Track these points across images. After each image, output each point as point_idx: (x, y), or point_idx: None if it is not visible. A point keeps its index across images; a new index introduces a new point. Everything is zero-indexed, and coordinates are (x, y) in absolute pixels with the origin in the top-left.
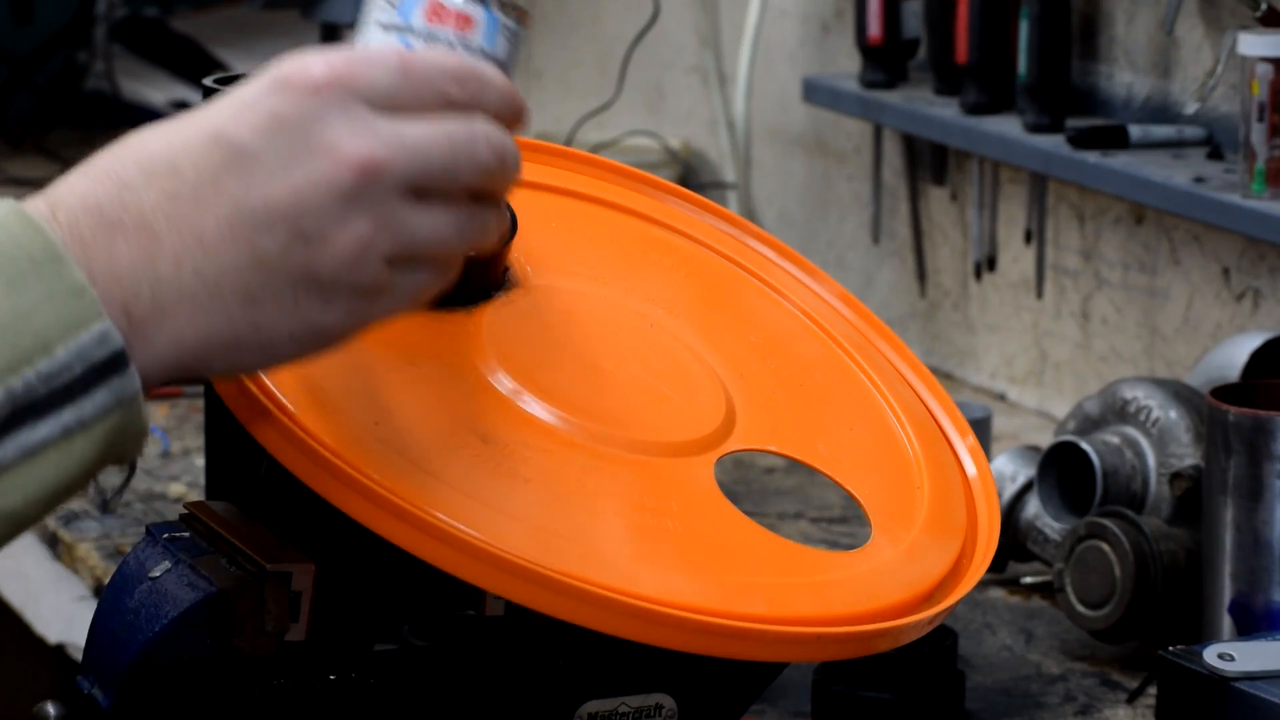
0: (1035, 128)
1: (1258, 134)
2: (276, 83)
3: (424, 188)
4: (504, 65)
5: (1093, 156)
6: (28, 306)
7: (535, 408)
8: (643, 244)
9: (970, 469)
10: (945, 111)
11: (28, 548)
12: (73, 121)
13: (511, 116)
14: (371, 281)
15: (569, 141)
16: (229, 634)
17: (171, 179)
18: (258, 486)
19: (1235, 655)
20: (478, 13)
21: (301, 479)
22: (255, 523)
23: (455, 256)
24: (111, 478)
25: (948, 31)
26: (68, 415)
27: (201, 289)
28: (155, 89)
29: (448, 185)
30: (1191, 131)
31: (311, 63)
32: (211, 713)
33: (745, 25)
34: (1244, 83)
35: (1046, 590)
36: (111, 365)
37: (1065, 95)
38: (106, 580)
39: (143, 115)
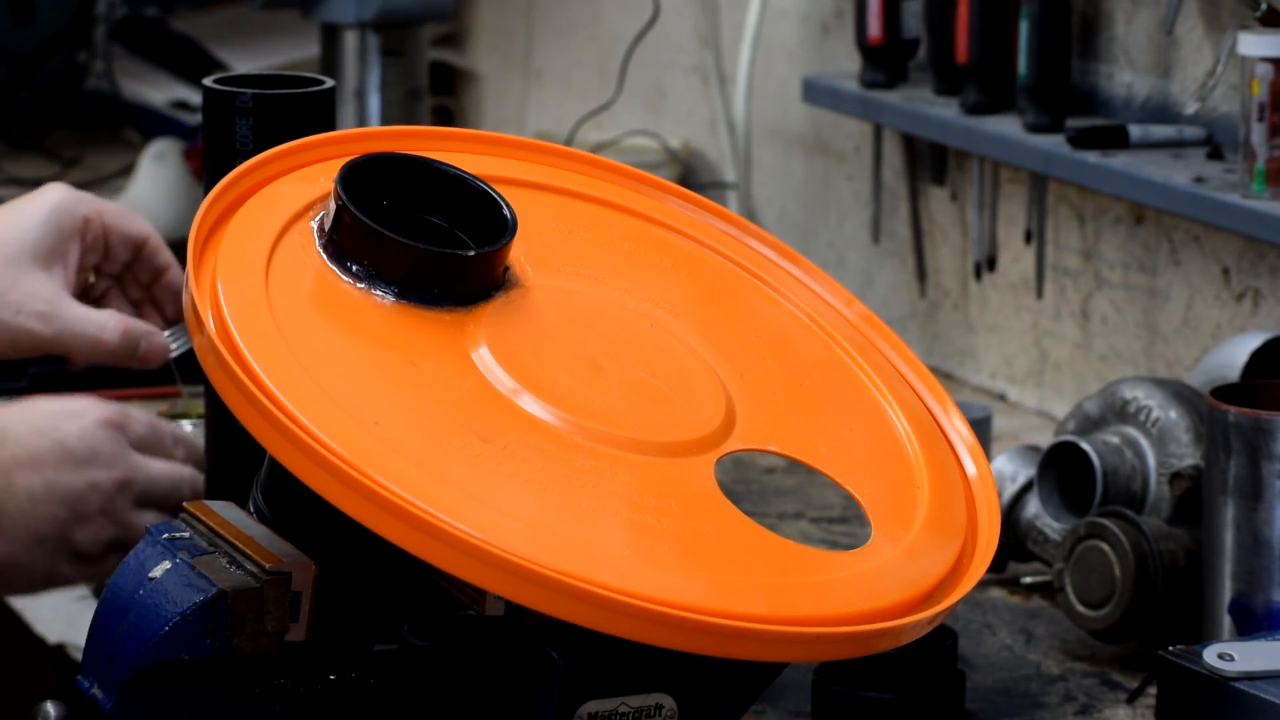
0: (1035, 128)
1: (1258, 134)
2: (79, 410)
3: (148, 503)
4: None
5: (1093, 156)
6: None
7: (535, 407)
8: (643, 244)
9: (970, 469)
10: (945, 111)
11: None
12: (73, 121)
13: (199, 466)
14: (96, 556)
15: (569, 141)
16: (229, 634)
17: (19, 451)
18: (258, 486)
19: (1235, 655)
20: None
21: (301, 479)
22: (255, 523)
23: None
24: None
25: (948, 31)
26: None
27: (14, 526)
28: (155, 89)
29: (161, 504)
30: (1191, 131)
31: (102, 407)
32: (211, 713)
33: (745, 25)
34: (1244, 83)
35: (1046, 590)
36: None
37: (1065, 95)
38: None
39: (143, 115)
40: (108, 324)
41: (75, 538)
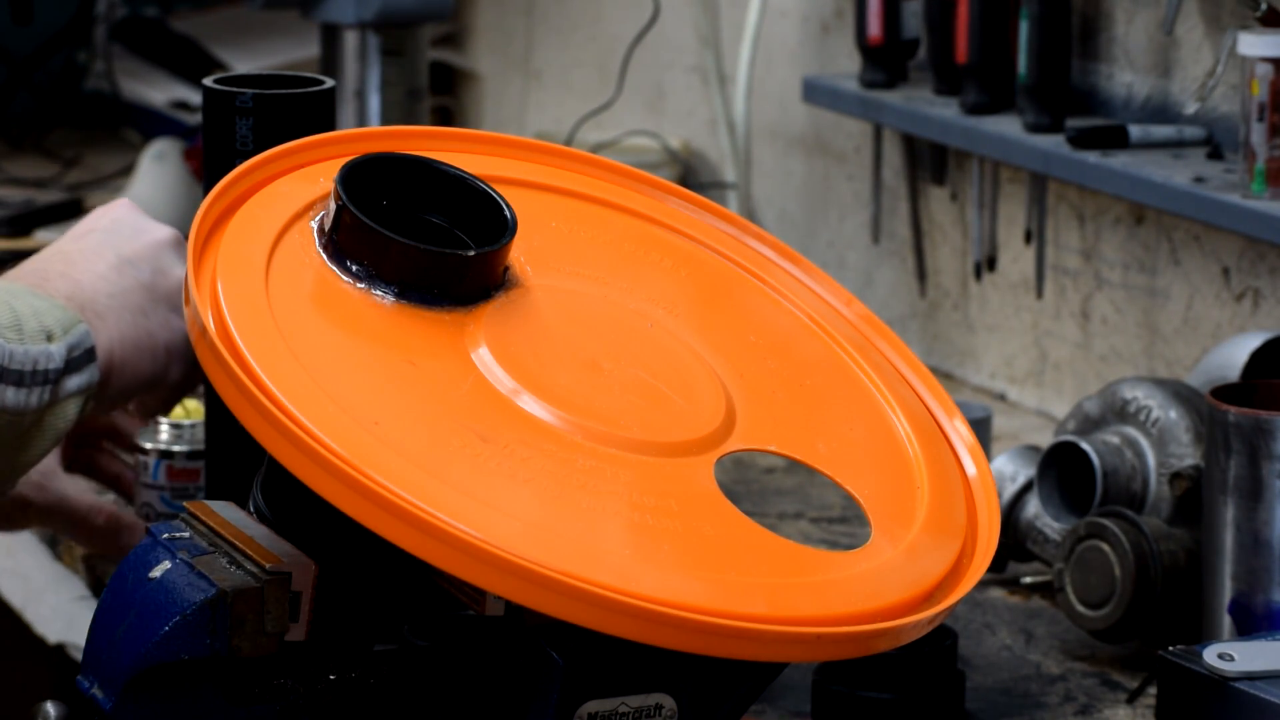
0: (1035, 128)
1: (1258, 134)
2: (94, 213)
3: None
4: None
5: (1093, 156)
6: (40, 307)
7: (535, 407)
8: (643, 244)
9: (970, 469)
10: (945, 111)
11: (28, 548)
12: (73, 121)
13: None
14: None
15: (569, 141)
16: (229, 634)
17: (64, 255)
18: (258, 486)
19: (1235, 655)
20: None
21: (301, 479)
22: (255, 523)
23: None
24: None
25: (948, 31)
26: (78, 380)
27: (114, 304)
28: (155, 89)
29: None
30: (1191, 131)
31: (110, 203)
32: (211, 713)
33: (745, 25)
34: (1244, 83)
35: (1046, 590)
36: (90, 355)
37: (1065, 95)
38: (106, 580)
39: (143, 115)
40: (96, 507)
41: (162, 286)
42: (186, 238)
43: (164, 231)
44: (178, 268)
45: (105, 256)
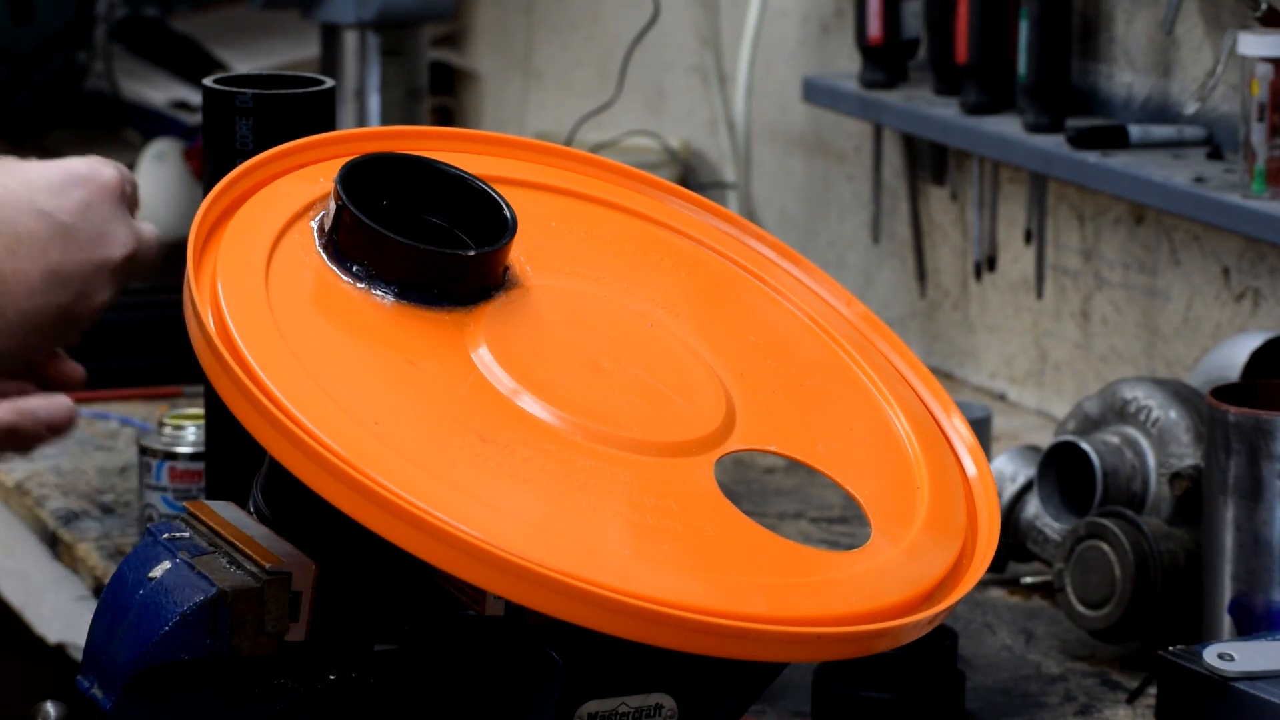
0: (1035, 128)
1: (1258, 134)
2: (82, 178)
3: (141, 268)
4: None
5: (1093, 156)
6: None
7: (535, 407)
8: (643, 244)
9: (970, 469)
10: (945, 111)
11: (28, 548)
12: (73, 121)
13: None
14: (90, 321)
15: (569, 141)
16: (229, 634)
17: (16, 235)
18: (258, 486)
19: (1235, 655)
20: None
21: (301, 479)
22: (255, 523)
23: None
24: None
25: (948, 31)
26: None
27: (9, 320)
28: (155, 89)
29: (149, 268)
30: (1191, 131)
31: (104, 169)
32: (211, 713)
33: (745, 25)
34: (1244, 83)
35: (1046, 590)
36: None
37: (1065, 95)
38: (106, 580)
39: (143, 115)
40: None
41: (76, 310)
42: (187, 238)
43: (120, 249)
44: (104, 292)
45: (49, 257)
